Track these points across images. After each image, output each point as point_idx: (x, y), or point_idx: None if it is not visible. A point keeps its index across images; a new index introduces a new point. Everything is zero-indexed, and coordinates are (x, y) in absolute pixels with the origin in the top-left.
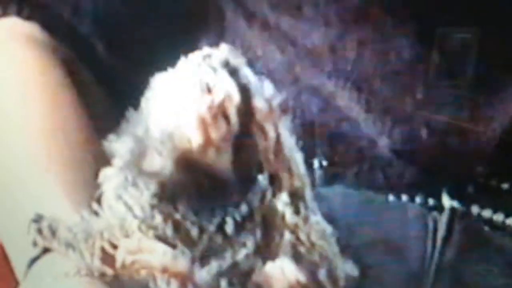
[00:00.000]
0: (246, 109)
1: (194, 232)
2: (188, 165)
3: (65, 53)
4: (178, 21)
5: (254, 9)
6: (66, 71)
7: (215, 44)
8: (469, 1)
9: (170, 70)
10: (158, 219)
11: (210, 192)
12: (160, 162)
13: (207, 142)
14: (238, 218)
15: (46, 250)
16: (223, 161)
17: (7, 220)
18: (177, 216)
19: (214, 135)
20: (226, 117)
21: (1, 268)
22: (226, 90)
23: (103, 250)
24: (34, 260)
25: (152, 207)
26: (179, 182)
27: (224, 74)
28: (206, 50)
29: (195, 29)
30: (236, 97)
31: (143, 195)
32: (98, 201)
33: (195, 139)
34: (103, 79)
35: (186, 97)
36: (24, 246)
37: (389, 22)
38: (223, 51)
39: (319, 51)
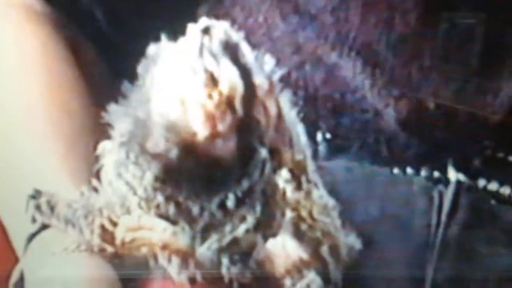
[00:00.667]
0: (248, 90)
1: (196, 210)
2: (193, 149)
3: (65, 23)
4: None
5: None
6: (65, 42)
7: (214, 9)
8: None
9: (168, 48)
10: (160, 199)
11: (213, 172)
12: (164, 145)
13: (214, 134)
14: (239, 194)
15: (45, 226)
16: (228, 145)
17: (6, 195)
18: (180, 197)
19: (221, 127)
20: (232, 107)
21: (1, 244)
22: (231, 82)
23: (102, 227)
24: (33, 236)
25: (154, 188)
26: (183, 164)
27: (227, 63)
28: (203, 22)
29: None
30: (240, 87)
31: (145, 176)
32: (97, 175)
33: (202, 133)
34: (104, 50)
35: (189, 89)
36: (23, 221)
37: None
38: (221, 28)
39: (322, 17)
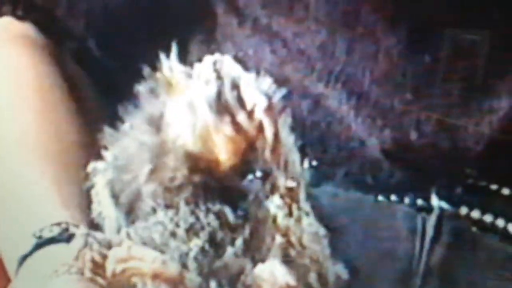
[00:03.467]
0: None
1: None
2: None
3: (59, 52)
4: (170, 20)
5: (245, 8)
6: (60, 71)
7: (205, 42)
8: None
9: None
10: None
11: (211, 192)
12: (183, 174)
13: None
14: (231, 218)
15: (37, 247)
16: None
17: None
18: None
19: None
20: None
21: None
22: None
23: (93, 261)
24: (25, 257)
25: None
26: (186, 185)
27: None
28: (209, 59)
29: (186, 27)
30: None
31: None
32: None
33: (227, 163)
34: (97, 78)
35: (211, 122)
36: (16, 243)
37: (379, 23)
38: (228, 63)
39: (310, 51)
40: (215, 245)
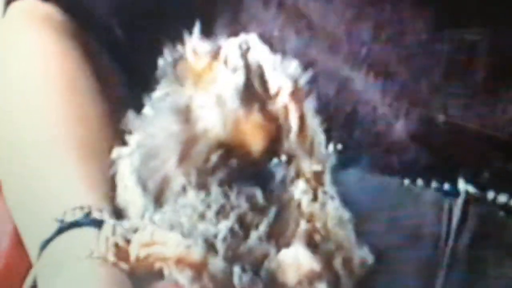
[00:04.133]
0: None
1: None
2: (230, 155)
3: (83, 34)
4: (195, 1)
5: None
6: (84, 54)
7: (230, 24)
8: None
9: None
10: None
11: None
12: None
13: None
14: (260, 201)
15: (59, 231)
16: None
17: (21, 202)
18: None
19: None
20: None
21: (16, 250)
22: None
23: (116, 245)
24: (47, 242)
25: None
26: (220, 167)
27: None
28: (235, 42)
29: (211, 9)
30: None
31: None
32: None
33: (259, 147)
34: (121, 61)
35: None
36: (38, 227)
37: (406, 3)
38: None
39: (335, 33)
40: (244, 226)
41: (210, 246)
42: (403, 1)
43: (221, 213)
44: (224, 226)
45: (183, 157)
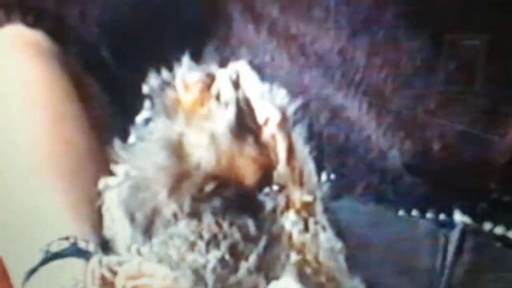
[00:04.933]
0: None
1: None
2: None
3: (70, 61)
4: (184, 27)
5: (262, 11)
6: (71, 80)
7: (220, 49)
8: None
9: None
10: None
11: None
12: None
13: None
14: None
15: (43, 262)
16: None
17: (6, 232)
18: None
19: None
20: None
21: (0, 280)
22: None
23: (102, 277)
24: (31, 272)
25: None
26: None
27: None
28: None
29: (200, 33)
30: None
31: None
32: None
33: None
34: (108, 87)
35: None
36: (22, 257)
37: (401, 27)
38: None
39: (329, 58)
40: (235, 257)
41: (199, 278)
42: (397, 25)
43: (212, 242)
44: (213, 256)
45: (174, 190)
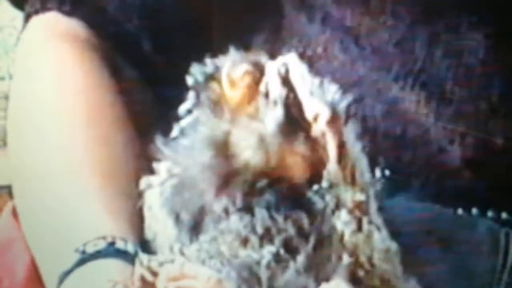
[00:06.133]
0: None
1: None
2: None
3: (109, 52)
4: (232, 16)
5: (314, 2)
6: (108, 71)
7: (270, 40)
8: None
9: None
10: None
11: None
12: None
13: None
14: (292, 232)
15: (79, 263)
16: None
17: (41, 232)
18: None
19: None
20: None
21: (33, 283)
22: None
23: (142, 278)
24: (66, 274)
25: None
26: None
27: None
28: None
29: (250, 23)
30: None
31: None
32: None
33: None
34: (149, 79)
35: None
36: (57, 258)
37: (464, 18)
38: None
39: (385, 50)
40: (290, 252)
41: (251, 275)
42: (459, 15)
43: (266, 237)
44: (268, 251)
45: (222, 189)
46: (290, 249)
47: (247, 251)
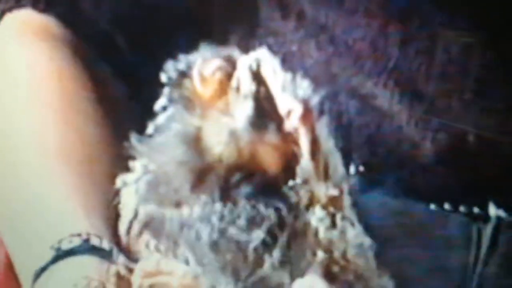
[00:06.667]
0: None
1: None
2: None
3: (83, 48)
4: (207, 14)
5: (290, 0)
6: (83, 68)
7: (245, 38)
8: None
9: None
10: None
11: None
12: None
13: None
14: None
15: (54, 260)
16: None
17: (15, 228)
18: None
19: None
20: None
21: (8, 279)
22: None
23: (118, 274)
24: (41, 271)
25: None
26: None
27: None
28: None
29: (225, 21)
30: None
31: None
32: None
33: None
34: (124, 76)
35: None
36: (32, 255)
37: (436, 14)
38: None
39: (359, 47)
40: (275, 239)
41: (239, 251)
42: (432, 14)
43: (253, 222)
44: (256, 236)
45: (197, 185)
46: (276, 237)
47: (237, 230)
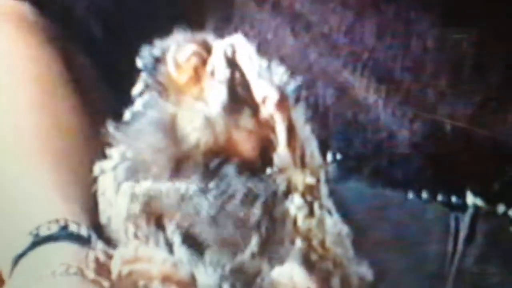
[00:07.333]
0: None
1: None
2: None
3: (58, 34)
4: (183, 1)
5: None
6: (58, 54)
7: (221, 26)
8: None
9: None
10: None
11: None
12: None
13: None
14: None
15: (32, 246)
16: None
17: None
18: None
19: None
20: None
21: None
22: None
23: (97, 261)
24: (20, 257)
25: None
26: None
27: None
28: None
29: (200, 8)
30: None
31: None
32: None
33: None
34: (98, 61)
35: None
36: (10, 241)
37: (413, 6)
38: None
39: (335, 36)
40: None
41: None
42: (407, 4)
43: (247, 199)
44: (256, 210)
45: (176, 173)
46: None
47: (234, 206)
